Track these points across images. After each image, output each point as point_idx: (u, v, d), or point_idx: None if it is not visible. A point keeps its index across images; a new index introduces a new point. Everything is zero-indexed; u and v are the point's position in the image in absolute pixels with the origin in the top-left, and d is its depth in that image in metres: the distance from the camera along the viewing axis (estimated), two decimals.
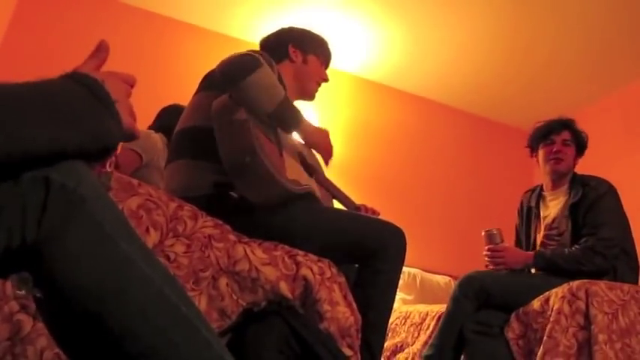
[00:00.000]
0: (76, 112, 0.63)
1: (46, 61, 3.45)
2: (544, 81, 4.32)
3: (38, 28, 3.74)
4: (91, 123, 0.64)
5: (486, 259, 2.37)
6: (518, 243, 2.62)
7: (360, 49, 4.19)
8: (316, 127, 1.82)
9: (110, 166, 1.68)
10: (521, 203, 2.65)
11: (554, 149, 2.46)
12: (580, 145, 2.50)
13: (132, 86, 0.74)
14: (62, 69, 0.69)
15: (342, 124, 4.31)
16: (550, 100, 4.43)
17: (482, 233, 2.40)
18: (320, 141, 1.81)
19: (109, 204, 0.67)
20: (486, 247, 2.37)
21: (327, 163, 1.86)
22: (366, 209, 2.04)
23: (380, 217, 1.90)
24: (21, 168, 0.59)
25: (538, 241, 2.47)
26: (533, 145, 2.57)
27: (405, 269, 1.74)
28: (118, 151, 2.47)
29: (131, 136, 0.72)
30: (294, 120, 1.69)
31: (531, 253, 2.35)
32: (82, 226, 0.62)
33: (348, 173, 3.93)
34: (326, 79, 2.06)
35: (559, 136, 2.48)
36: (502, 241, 2.37)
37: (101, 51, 0.74)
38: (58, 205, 0.60)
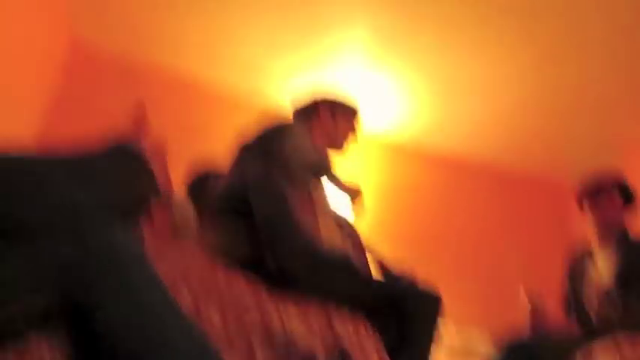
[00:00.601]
0: (114, 174, 0.65)
1: (90, 123, 3.57)
2: (580, 133, 4.26)
3: (84, 96, 3.89)
4: (127, 183, 0.66)
5: (528, 330, 2.30)
6: (567, 304, 2.53)
7: (389, 110, 4.22)
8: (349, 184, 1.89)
9: (144, 224, 1.71)
10: (569, 264, 2.57)
11: (602, 205, 2.40)
12: (629, 199, 2.45)
13: (166, 147, 0.77)
14: (103, 130, 0.72)
15: (372, 186, 4.30)
16: (590, 154, 4.37)
17: (525, 303, 2.33)
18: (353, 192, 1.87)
19: (145, 263, 0.68)
20: (526, 320, 2.30)
21: (355, 202, 1.92)
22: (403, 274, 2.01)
23: (416, 277, 1.87)
24: (58, 224, 0.60)
25: (591, 306, 2.38)
26: (582, 200, 2.52)
27: (441, 326, 1.71)
28: (154, 212, 2.51)
29: (166, 195, 0.73)
30: (329, 168, 1.76)
31: (576, 324, 2.26)
32: (118, 286, 0.62)
33: (380, 233, 3.89)
34: (355, 137, 2.12)
35: (607, 192, 2.43)
36: (544, 313, 2.30)
37: (140, 114, 0.77)
38: (94, 264, 0.61)
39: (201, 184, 2.79)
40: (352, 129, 2.14)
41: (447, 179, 4.71)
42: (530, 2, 3.20)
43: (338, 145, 2.10)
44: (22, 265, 0.59)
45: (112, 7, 3.68)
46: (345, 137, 2.11)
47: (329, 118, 2.07)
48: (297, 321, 1.42)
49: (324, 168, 1.77)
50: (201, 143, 3.62)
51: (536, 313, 2.26)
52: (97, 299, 0.61)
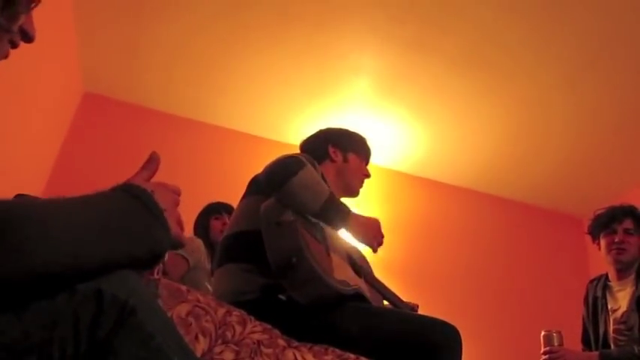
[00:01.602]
0: (127, 223, 0.65)
1: (101, 173, 3.61)
2: (585, 162, 4.24)
3: (92, 141, 3.94)
4: (141, 233, 0.66)
5: None
6: (585, 334, 2.47)
7: (387, 144, 4.25)
8: (367, 217, 1.81)
9: (158, 273, 1.70)
10: (587, 293, 2.52)
11: (617, 239, 2.36)
12: None
13: (179, 195, 0.77)
14: (115, 181, 0.72)
15: (378, 217, 4.27)
16: (599, 183, 4.35)
17: (542, 334, 2.28)
18: (366, 229, 1.77)
19: (160, 313, 0.67)
20: (544, 351, 2.24)
21: (375, 250, 1.82)
22: (415, 309, 1.98)
23: (430, 312, 1.83)
24: (74, 280, 0.60)
25: (609, 335, 2.32)
26: (594, 233, 2.48)
27: None
28: (166, 258, 2.51)
29: (179, 244, 0.73)
30: (340, 216, 1.69)
31: (595, 353, 2.20)
32: (133, 338, 0.62)
33: (391, 268, 3.85)
34: (368, 175, 2.08)
35: (621, 225, 2.39)
36: (561, 344, 2.24)
37: (152, 162, 0.77)
38: (109, 316, 0.61)
39: (205, 225, 2.81)
40: (366, 173, 2.06)
41: (448, 209, 4.67)
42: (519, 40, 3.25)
43: (351, 191, 2.03)
44: (38, 316, 0.58)
45: (123, 59, 3.76)
46: (359, 183, 2.05)
47: (341, 162, 2.01)
48: None
49: (334, 210, 1.72)
50: (218, 186, 3.64)
51: (552, 353, 2.20)
52: (112, 349, 0.60)
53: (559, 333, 2.27)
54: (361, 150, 2.08)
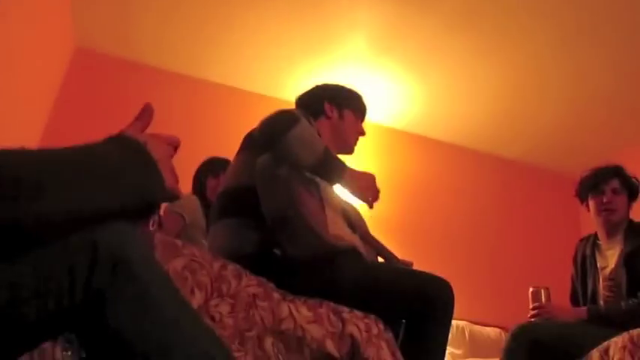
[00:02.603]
0: (120, 173, 0.65)
1: (94, 124, 3.59)
2: (579, 122, 4.24)
3: (85, 96, 3.90)
4: (133, 182, 0.66)
5: (530, 318, 2.27)
6: (574, 293, 2.51)
7: (383, 101, 4.23)
8: (362, 172, 1.80)
9: (153, 225, 1.71)
10: (576, 252, 2.54)
11: (605, 200, 2.37)
12: (632, 191, 2.41)
13: (176, 148, 0.76)
14: (108, 132, 0.71)
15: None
16: (593, 143, 4.36)
17: (530, 290, 2.31)
18: (362, 184, 1.76)
19: (155, 264, 0.68)
20: (532, 307, 2.28)
21: (370, 206, 1.81)
22: (410, 265, 2.00)
23: (424, 268, 1.85)
24: (68, 230, 0.60)
25: (599, 292, 2.37)
26: (582, 195, 2.48)
27: (452, 322, 1.68)
28: (162, 214, 2.53)
29: (173, 196, 0.73)
30: (336, 171, 1.69)
31: (583, 308, 2.25)
32: (129, 288, 0.62)
33: (386, 225, 3.88)
34: (363, 133, 2.07)
35: (608, 186, 2.38)
36: (549, 299, 2.28)
37: (146, 114, 0.76)
38: (104, 266, 0.61)
39: (201, 183, 2.80)
40: (361, 131, 2.06)
41: (450, 166, 4.69)
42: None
43: (346, 148, 2.02)
44: (33, 266, 0.58)
45: (116, 14, 3.69)
46: (353, 140, 2.04)
47: (336, 118, 2.00)
48: (308, 319, 1.41)
49: (330, 165, 1.71)
50: (213, 142, 3.62)
51: (540, 308, 2.24)
52: (107, 300, 0.61)
53: (547, 289, 2.30)
54: (357, 107, 2.06)
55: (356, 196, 1.78)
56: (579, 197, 2.51)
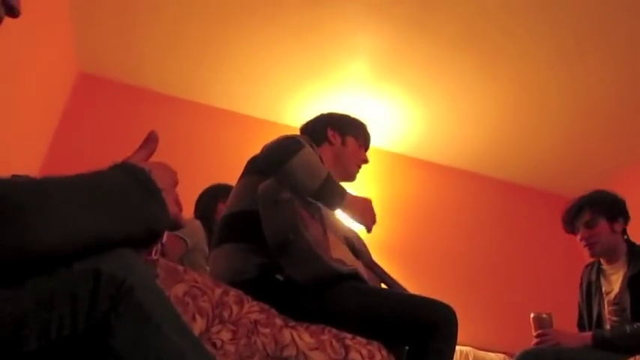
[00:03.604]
0: (124, 201, 0.65)
1: (96, 149, 3.60)
2: (579, 144, 4.24)
3: (87, 121, 3.92)
4: (137, 211, 0.66)
5: (535, 345, 2.24)
6: (581, 319, 2.49)
7: (384, 125, 4.25)
8: (357, 197, 1.82)
9: (156, 253, 1.70)
10: (582, 278, 2.53)
11: (579, 237, 2.37)
12: (611, 213, 2.36)
13: (175, 184, 0.76)
14: (111, 160, 0.71)
15: (374, 199, 4.24)
16: (594, 164, 4.36)
17: (531, 316, 2.29)
18: (361, 209, 1.80)
19: (158, 292, 0.67)
20: (536, 333, 2.25)
21: (369, 230, 1.84)
22: None
23: (427, 292, 1.84)
24: (70, 257, 0.60)
25: (604, 317, 2.34)
26: (568, 231, 2.48)
27: (456, 348, 1.67)
28: (164, 239, 2.52)
29: (176, 224, 0.73)
30: (337, 197, 1.71)
31: (588, 334, 2.22)
32: (131, 317, 0.62)
33: (387, 249, 3.87)
34: (366, 161, 2.08)
35: (579, 221, 2.38)
36: (551, 326, 2.25)
37: (151, 141, 0.76)
38: (107, 295, 0.61)
39: (210, 206, 2.80)
40: (364, 159, 2.06)
41: (444, 190, 4.68)
42: (518, 24, 3.22)
43: (348, 175, 2.03)
44: (35, 293, 0.58)
45: (118, 39, 3.73)
46: (355, 167, 2.05)
47: (339, 145, 2.01)
48: (311, 345, 1.40)
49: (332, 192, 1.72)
50: (214, 167, 3.63)
51: (545, 335, 2.22)
52: (110, 327, 0.60)
53: (549, 314, 2.28)
54: (360, 135, 2.08)
55: (356, 220, 1.81)
56: (566, 231, 2.50)
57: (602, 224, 2.34)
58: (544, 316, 2.26)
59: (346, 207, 1.75)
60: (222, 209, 2.71)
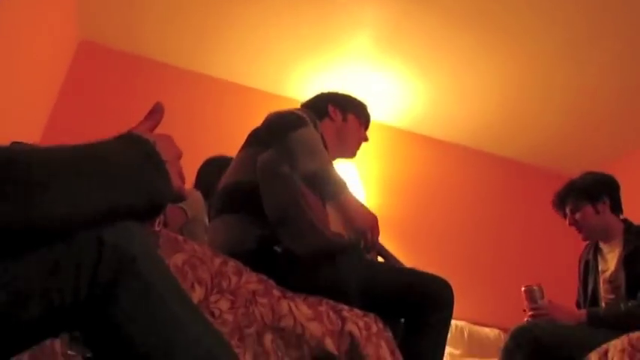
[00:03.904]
0: (128, 173, 0.65)
1: (97, 117, 3.60)
2: (582, 125, 4.23)
3: (88, 90, 3.91)
4: (141, 183, 0.66)
5: (529, 319, 2.26)
6: (579, 298, 2.52)
7: (387, 99, 4.23)
8: (364, 207, 1.70)
9: (159, 225, 1.71)
10: (581, 257, 2.56)
11: (568, 223, 2.42)
12: (592, 194, 2.38)
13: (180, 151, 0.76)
14: (111, 130, 0.72)
15: (375, 175, 4.29)
16: (595, 144, 4.36)
17: (522, 289, 2.32)
18: (365, 224, 1.67)
19: (160, 263, 0.68)
20: (529, 307, 2.27)
21: (366, 242, 1.68)
22: None
23: (424, 267, 1.86)
24: (74, 228, 0.61)
25: (599, 295, 2.37)
26: (562, 217, 2.52)
27: (452, 322, 1.69)
28: (167, 211, 2.53)
29: (180, 197, 0.73)
30: (333, 188, 1.64)
31: (583, 311, 2.25)
32: (133, 286, 0.63)
33: (387, 224, 3.86)
34: (366, 139, 2.09)
35: (566, 209, 2.43)
36: (543, 297, 2.28)
37: (156, 113, 0.76)
38: (110, 264, 0.61)
39: (206, 174, 2.80)
40: (364, 137, 2.07)
41: (451, 166, 4.68)
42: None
43: (348, 152, 2.03)
44: (38, 263, 0.59)
45: (120, 7, 3.69)
46: (356, 144, 2.05)
47: (340, 121, 2.01)
48: (308, 316, 1.42)
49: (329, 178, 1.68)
50: (215, 138, 3.62)
51: (538, 309, 2.25)
52: (112, 297, 0.61)
53: (539, 286, 2.30)
54: (361, 113, 2.08)
55: (353, 225, 1.66)
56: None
57: (586, 208, 2.38)
58: (535, 288, 2.29)
59: (343, 206, 1.65)
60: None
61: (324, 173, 1.62)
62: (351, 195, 1.68)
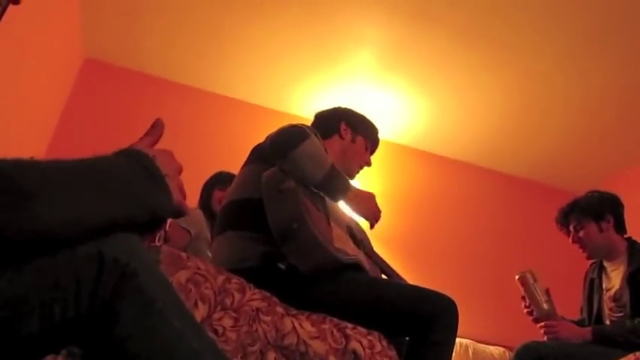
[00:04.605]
0: (128, 186, 0.65)
1: (101, 135, 3.61)
2: (583, 141, 4.23)
3: (93, 107, 3.93)
4: (141, 196, 0.66)
5: (527, 310, 2.31)
6: (582, 315, 2.51)
7: (389, 116, 4.24)
8: (361, 190, 1.82)
9: (159, 240, 1.71)
10: (586, 276, 2.56)
11: (571, 241, 2.43)
12: (597, 214, 2.38)
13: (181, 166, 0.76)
14: (115, 146, 0.72)
15: (378, 191, 4.25)
16: (597, 160, 4.35)
17: (516, 278, 2.32)
18: (365, 203, 1.80)
19: (161, 278, 0.68)
20: (526, 294, 2.29)
21: (372, 226, 1.85)
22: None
23: (428, 284, 1.85)
24: (73, 241, 0.60)
25: (604, 313, 2.36)
26: (565, 235, 2.53)
27: (456, 340, 1.67)
28: (168, 227, 2.53)
29: (180, 212, 0.73)
30: (341, 188, 1.71)
31: (588, 329, 2.24)
32: (134, 301, 0.62)
33: (389, 241, 3.87)
34: (369, 164, 2.09)
35: (567, 228, 2.44)
36: (536, 280, 2.29)
37: (157, 128, 0.77)
38: (110, 279, 0.61)
39: (208, 195, 2.81)
40: (367, 161, 2.07)
41: (448, 183, 4.67)
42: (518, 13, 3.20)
43: (348, 173, 1.99)
44: (38, 277, 0.58)
45: (125, 25, 3.72)
46: (358, 167, 2.05)
47: (349, 141, 2.01)
48: (312, 334, 1.41)
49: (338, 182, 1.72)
50: (219, 155, 3.62)
51: (550, 326, 2.24)
52: (113, 311, 0.61)
53: (531, 271, 2.30)
54: (371, 137, 2.08)
55: (360, 215, 1.81)
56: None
57: (589, 226, 2.38)
58: (527, 274, 2.30)
59: (350, 200, 1.75)
60: (220, 196, 2.73)
61: (331, 177, 1.67)
62: (354, 188, 1.77)
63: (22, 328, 0.57)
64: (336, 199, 1.76)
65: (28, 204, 0.55)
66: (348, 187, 1.73)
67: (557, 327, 2.23)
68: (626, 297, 2.25)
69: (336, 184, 1.69)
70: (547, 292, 2.33)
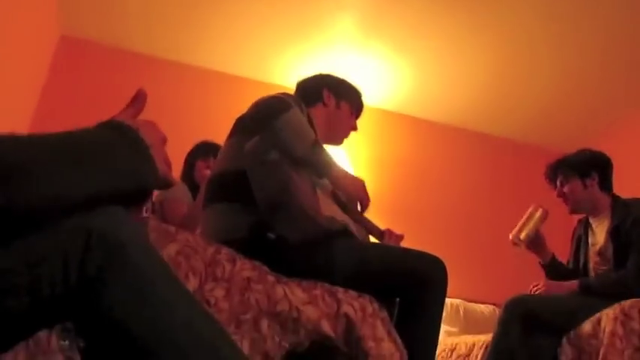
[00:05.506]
0: (112, 158, 0.65)
1: (81, 112, 3.56)
2: (569, 100, 4.24)
3: (72, 85, 3.87)
4: (125, 168, 0.66)
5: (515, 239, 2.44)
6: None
7: (373, 83, 4.22)
8: (351, 176, 1.78)
9: (147, 212, 1.70)
10: (574, 233, 2.61)
11: (556, 195, 2.50)
12: (582, 169, 2.43)
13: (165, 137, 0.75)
14: (96, 119, 0.71)
15: (365, 157, 4.30)
16: (584, 119, 4.38)
17: (529, 209, 2.47)
18: (354, 190, 1.75)
19: (150, 249, 0.68)
20: (524, 223, 2.44)
21: (364, 208, 1.82)
22: (391, 234, 2.00)
23: (418, 248, 1.87)
24: (59, 215, 0.60)
25: (589, 267, 2.41)
26: (553, 189, 2.59)
27: (447, 300, 1.70)
28: (161, 203, 2.53)
29: (166, 183, 0.72)
30: (324, 165, 1.68)
31: (575, 282, 2.28)
32: (123, 273, 0.62)
33: (378, 206, 3.87)
34: (355, 128, 2.07)
35: (555, 182, 2.51)
36: (540, 220, 2.44)
37: (138, 99, 0.76)
38: (98, 252, 0.61)
39: (190, 166, 2.79)
40: (354, 126, 2.06)
41: (435, 146, 4.69)
42: None
43: (336, 140, 2.02)
44: (25, 253, 0.58)
45: (101, 2, 3.64)
46: (345, 133, 2.04)
47: (333, 107, 1.99)
48: (303, 300, 1.42)
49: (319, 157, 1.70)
50: (202, 128, 3.59)
51: (541, 287, 2.30)
52: (103, 285, 0.61)
53: (547, 211, 2.44)
54: (355, 102, 2.06)
55: (348, 196, 1.79)
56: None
57: (574, 182, 2.44)
58: (541, 209, 2.45)
59: (337, 180, 1.72)
60: (201, 166, 2.72)
61: (314, 154, 1.64)
62: (339, 168, 1.73)
63: (12, 304, 0.57)
64: (318, 177, 1.73)
65: (10, 179, 0.55)
66: (331, 166, 1.69)
67: (544, 287, 2.29)
68: (610, 251, 2.30)
69: (318, 159, 1.66)
70: (538, 234, 2.44)
